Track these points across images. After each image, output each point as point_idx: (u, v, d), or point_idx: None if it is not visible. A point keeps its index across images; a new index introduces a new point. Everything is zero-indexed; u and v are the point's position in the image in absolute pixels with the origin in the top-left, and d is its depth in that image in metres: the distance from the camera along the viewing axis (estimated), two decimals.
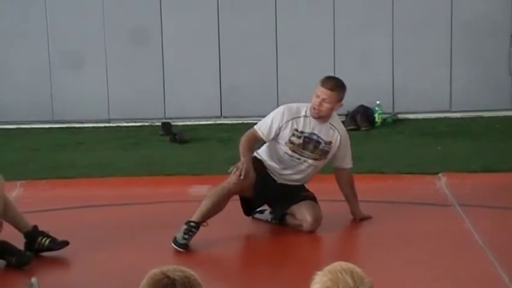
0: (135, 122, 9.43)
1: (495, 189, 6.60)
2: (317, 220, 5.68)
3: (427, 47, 9.34)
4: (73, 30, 9.34)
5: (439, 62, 9.38)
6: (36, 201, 6.47)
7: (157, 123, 9.20)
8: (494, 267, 5.00)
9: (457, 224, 5.81)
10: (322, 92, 5.62)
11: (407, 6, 9.26)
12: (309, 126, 5.68)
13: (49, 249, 5.32)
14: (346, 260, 2.56)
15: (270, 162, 5.77)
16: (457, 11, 9.27)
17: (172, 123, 9.11)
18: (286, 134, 5.67)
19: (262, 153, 5.83)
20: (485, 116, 9.29)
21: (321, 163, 5.79)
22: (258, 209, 5.99)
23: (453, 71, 9.40)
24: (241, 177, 5.47)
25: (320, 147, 5.71)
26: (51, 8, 9.33)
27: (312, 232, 5.67)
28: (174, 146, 8.47)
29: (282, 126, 5.67)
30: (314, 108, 5.63)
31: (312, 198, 5.79)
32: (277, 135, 5.68)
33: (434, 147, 8.06)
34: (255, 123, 5.82)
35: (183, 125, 9.17)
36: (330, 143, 5.72)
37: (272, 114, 5.74)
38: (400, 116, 9.35)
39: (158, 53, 9.40)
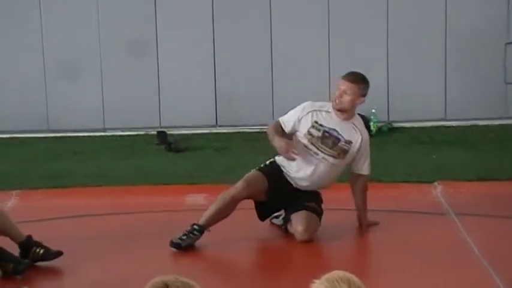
0: (131, 131, 9.42)
1: (490, 198, 6.60)
2: (307, 232, 5.62)
3: (422, 56, 9.35)
4: (68, 40, 9.33)
5: (434, 70, 9.39)
6: (31, 211, 6.45)
7: (153, 132, 9.19)
8: (490, 275, 4.99)
9: (452, 233, 5.80)
10: (343, 84, 5.76)
11: (402, 16, 9.27)
12: (331, 121, 5.71)
13: (43, 259, 5.29)
14: (343, 269, 2.55)
15: (286, 163, 5.73)
16: (452, 21, 9.28)
17: (168, 133, 9.10)
18: (305, 125, 5.69)
19: (280, 156, 5.79)
20: (480, 124, 9.30)
21: (339, 163, 5.72)
22: (275, 214, 5.96)
23: (448, 79, 9.40)
24: (294, 156, 5.54)
25: (339, 144, 5.69)
26: (47, 19, 9.32)
27: (308, 242, 5.65)
28: (170, 155, 8.46)
29: (301, 118, 5.71)
30: (335, 100, 5.73)
31: (312, 209, 5.72)
32: (297, 126, 5.71)
33: (429, 156, 8.06)
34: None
35: (178, 134, 9.15)
36: (350, 142, 5.72)
37: (296, 108, 5.82)
38: (396, 125, 9.35)
39: (153, 62, 9.40)
